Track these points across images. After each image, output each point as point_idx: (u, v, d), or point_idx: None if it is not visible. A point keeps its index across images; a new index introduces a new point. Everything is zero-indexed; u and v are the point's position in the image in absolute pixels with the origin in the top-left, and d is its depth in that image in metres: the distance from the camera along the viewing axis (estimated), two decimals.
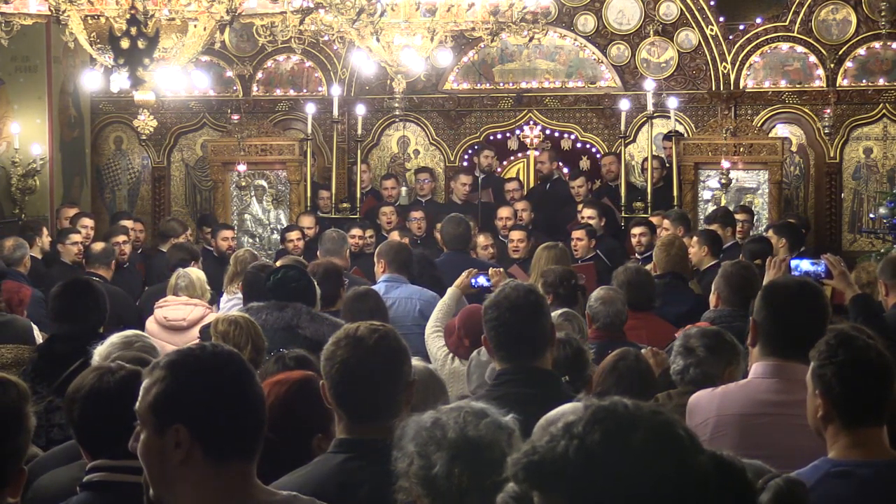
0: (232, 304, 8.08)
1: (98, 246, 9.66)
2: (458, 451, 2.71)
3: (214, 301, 8.67)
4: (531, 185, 13.74)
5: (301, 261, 8.38)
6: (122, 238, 10.53)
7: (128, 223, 11.48)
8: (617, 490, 1.84)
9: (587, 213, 11.13)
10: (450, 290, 7.39)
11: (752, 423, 3.86)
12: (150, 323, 8.11)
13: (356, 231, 11.13)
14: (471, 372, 5.58)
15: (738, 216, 11.23)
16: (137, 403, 2.55)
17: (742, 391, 4.00)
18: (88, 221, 11.25)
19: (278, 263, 8.13)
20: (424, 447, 2.74)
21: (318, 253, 9.09)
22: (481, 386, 5.31)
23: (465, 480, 2.69)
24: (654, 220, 10.66)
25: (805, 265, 5.51)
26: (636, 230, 10.51)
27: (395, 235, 10.57)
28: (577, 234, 10.46)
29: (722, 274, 6.42)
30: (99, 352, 4.56)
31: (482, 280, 7.42)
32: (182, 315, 8.00)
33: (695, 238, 9.33)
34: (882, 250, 10.12)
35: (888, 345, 4.77)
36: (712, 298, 6.43)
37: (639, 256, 10.15)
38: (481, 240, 10.46)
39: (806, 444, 3.42)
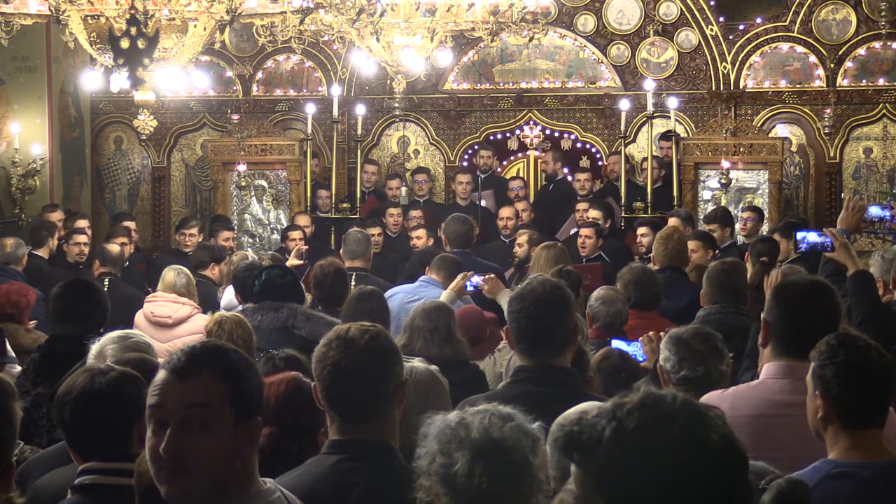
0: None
1: (114, 249, 9.72)
2: (480, 451, 2.71)
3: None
4: (532, 184, 13.75)
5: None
6: (122, 239, 10.55)
7: (129, 224, 11.48)
8: (636, 480, 1.89)
9: (593, 214, 11.09)
10: (445, 293, 7.41)
11: (765, 424, 3.83)
12: (139, 317, 8.13)
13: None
14: (508, 368, 5.58)
15: (744, 214, 11.23)
16: (200, 397, 2.52)
17: (754, 392, 3.97)
18: (83, 222, 11.21)
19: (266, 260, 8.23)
20: (447, 445, 2.74)
21: (340, 252, 9.08)
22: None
23: (485, 481, 2.69)
24: (672, 222, 10.53)
25: (812, 237, 5.56)
26: (640, 230, 10.51)
27: (421, 234, 10.77)
28: (585, 231, 10.42)
29: (707, 275, 6.54)
30: (95, 349, 4.55)
31: (477, 280, 7.47)
32: (168, 312, 8.00)
33: (698, 242, 9.26)
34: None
35: (879, 330, 4.80)
36: (701, 298, 6.50)
37: (645, 256, 10.14)
38: (504, 212, 11.23)
39: (820, 445, 3.40)
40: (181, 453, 2.49)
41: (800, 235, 5.62)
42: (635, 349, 5.69)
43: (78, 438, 3.48)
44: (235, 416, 2.53)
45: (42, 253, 10.38)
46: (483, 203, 12.63)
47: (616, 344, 5.75)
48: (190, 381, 2.53)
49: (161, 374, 2.58)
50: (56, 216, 11.39)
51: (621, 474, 1.90)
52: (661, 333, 5.89)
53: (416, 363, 4.02)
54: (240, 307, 7.76)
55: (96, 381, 3.50)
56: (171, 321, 7.94)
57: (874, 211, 6.14)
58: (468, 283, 7.48)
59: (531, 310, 4.08)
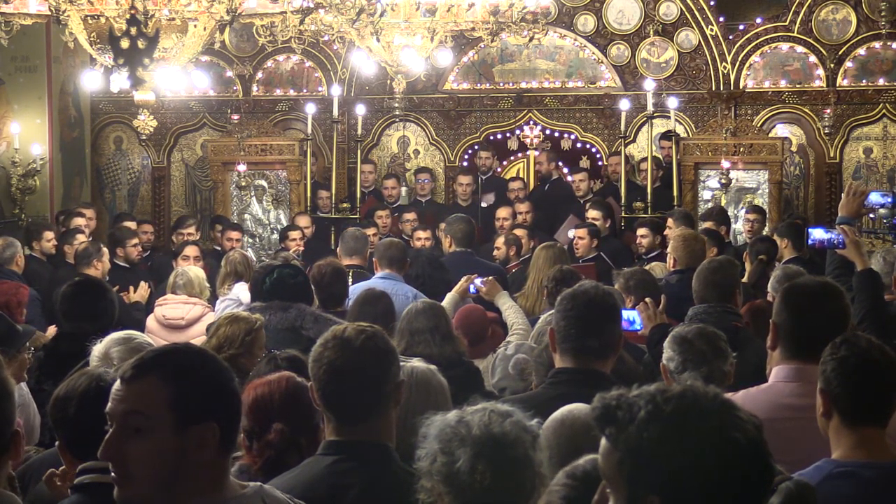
0: (225, 305, 8.08)
1: (81, 247, 9.56)
2: (482, 446, 2.72)
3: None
4: (532, 184, 13.74)
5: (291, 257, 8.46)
6: (136, 241, 10.50)
7: (132, 224, 11.45)
8: (659, 463, 1.98)
9: (592, 215, 11.08)
10: (449, 295, 7.42)
11: (776, 427, 3.80)
12: (151, 321, 8.12)
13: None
14: (495, 366, 5.59)
15: (748, 216, 11.23)
16: (143, 404, 2.49)
17: (765, 395, 3.95)
18: (81, 220, 11.21)
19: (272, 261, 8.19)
20: (448, 443, 2.75)
21: (338, 251, 9.07)
22: (504, 379, 5.32)
23: (487, 477, 2.69)
24: (667, 222, 10.52)
25: (819, 233, 5.57)
26: (640, 231, 10.50)
27: (419, 235, 10.88)
28: (579, 232, 10.42)
29: (696, 273, 6.50)
30: (98, 350, 4.55)
31: (478, 282, 7.49)
32: (181, 314, 7.99)
33: (704, 238, 9.29)
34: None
35: (879, 328, 4.80)
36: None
37: (644, 257, 10.13)
38: (501, 212, 11.36)
39: (829, 448, 3.40)
40: (118, 458, 2.48)
41: (808, 231, 5.66)
42: (633, 317, 5.72)
43: (78, 438, 3.47)
44: (177, 421, 2.47)
45: (35, 253, 10.35)
46: (484, 205, 12.61)
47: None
48: (131, 386, 2.51)
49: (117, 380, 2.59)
50: (133, 225, 11.42)
51: (647, 455, 1.98)
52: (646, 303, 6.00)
53: (416, 363, 4.01)
54: (231, 307, 7.76)
55: (104, 379, 3.50)
56: (184, 322, 7.93)
57: (875, 198, 6.13)
58: (471, 286, 7.49)
59: (582, 310, 4.06)
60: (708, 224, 10.35)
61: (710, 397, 2.03)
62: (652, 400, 2.02)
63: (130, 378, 2.53)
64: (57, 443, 3.67)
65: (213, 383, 2.55)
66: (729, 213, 11.70)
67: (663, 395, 2.03)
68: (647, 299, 6.07)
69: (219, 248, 11.43)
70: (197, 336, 7.62)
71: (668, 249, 8.32)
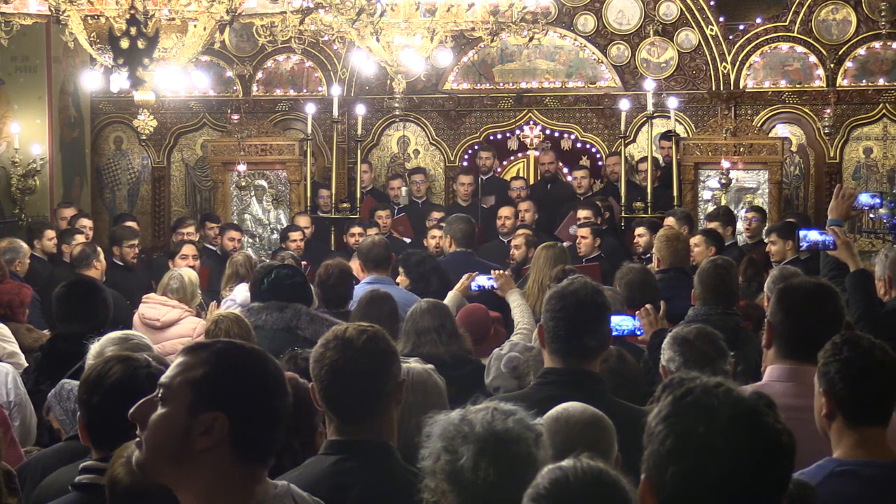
0: (226, 306, 8.06)
1: (77, 249, 9.52)
2: (485, 444, 2.73)
3: (212, 299, 8.71)
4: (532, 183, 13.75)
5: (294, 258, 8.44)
6: (134, 242, 10.49)
7: (134, 225, 11.44)
8: (666, 444, 2.02)
9: (583, 214, 11.11)
10: (450, 294, 7.40)
11: None
12: (135, 318, 8.13)
13: (356, 230, 11.17)
14: (490, 366, 5.59)
15: (748, 214, 11.24)
16: (170, 377, 2.52)
17: None
18: (87, 221, 11.24)
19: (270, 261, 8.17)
20: (451, 441, 2.75)
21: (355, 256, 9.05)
22: (497, 378, 5.32)
23: (491, 473, 2.70)
24: (668, 221, 10.53)
25: (813, 235, 5.58)
26: (638, 230, 10.52)
27: (434, 233, 10.91)
28: (581, 231, 10.43)
29: (698, 272, 6.47)
30: (95, 349, 4.54)
31: (483, 280, 7.42)
32: (157, 315, 7.95)
33: (701, 237, 9.30)
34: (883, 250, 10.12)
35: (873, 328, 4.81)
36: (692, 297, 6.47)
37: (643, 257, 10.14)
38: (503, 211, 11.36)
39: (824, 449, 3.39)
40: (140, 420, 2.52)
41: (801, 233, 5.67)
42: (632, 323, 5.70)
43: (100, 426, 3.46)
44: (192, 401, 2.49)
45: (36, 252, 10.35)
46: (485, 206, 12.61)
47: (614, 320, 5.74)
48: (178, 359, 2.56)
49: None
50: (67, 212, 11.44)
51: (657, 433, 2.02)
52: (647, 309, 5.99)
53: (413, 363, 4.01)
54: (237, 305, 7.74)
55: (139, 372, 3.49)
56: (159, 324, 7.89)
57: (864, 199, 6.16)
58: (475, 285, 7.46)
59: (571, 310, 4.02)
60: (714, 224, 10.35)
61: (749, 399, 2.07)
62: (683, 385, 2.06)
63: (181, 353, 2.58)
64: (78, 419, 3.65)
65: (247, 382, 2.53)
66: None
67: (697, 384, 2.06)
68: (648, 305, 6.05)
69: (212, 247, 11.43)
70: (173, 338, 7.61)
71: (653, 250, 8.33)
